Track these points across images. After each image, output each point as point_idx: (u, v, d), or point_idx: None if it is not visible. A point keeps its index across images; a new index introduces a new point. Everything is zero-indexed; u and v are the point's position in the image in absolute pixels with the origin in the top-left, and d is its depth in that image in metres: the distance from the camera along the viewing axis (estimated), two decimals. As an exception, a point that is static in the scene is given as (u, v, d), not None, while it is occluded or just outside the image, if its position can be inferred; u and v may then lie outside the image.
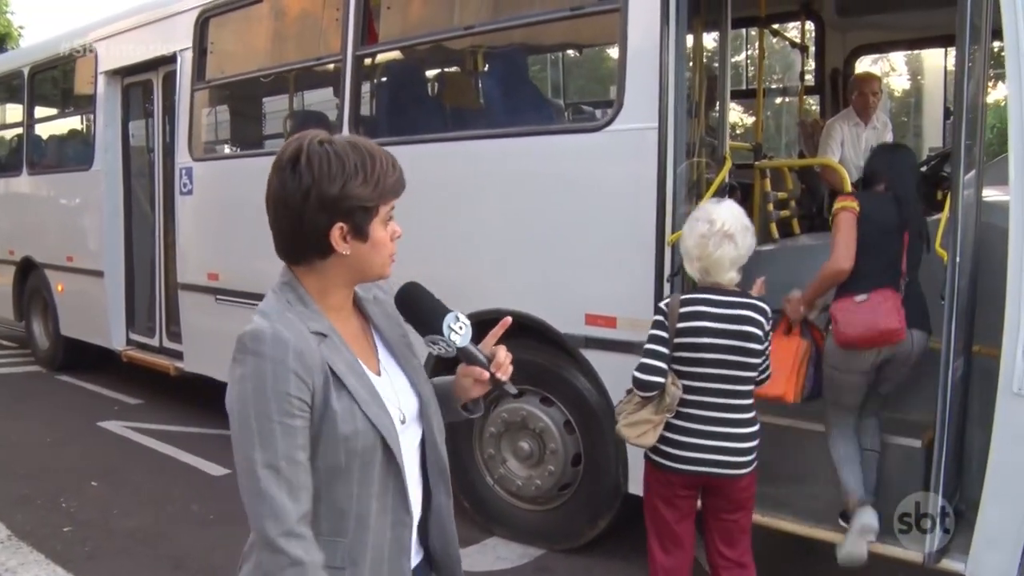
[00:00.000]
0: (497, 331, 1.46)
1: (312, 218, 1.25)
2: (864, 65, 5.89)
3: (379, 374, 1.37)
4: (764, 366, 2.50)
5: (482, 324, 1.55)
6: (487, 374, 1.40)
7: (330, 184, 1.24)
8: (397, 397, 1.37)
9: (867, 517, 2.92)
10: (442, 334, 1.37)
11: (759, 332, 2.42)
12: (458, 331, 1.38)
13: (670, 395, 2.38)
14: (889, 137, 4.84)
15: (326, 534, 1.27)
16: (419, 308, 1.40)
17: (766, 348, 2.48)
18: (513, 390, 1.47)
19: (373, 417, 1.28)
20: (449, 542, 1.46)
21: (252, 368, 1.21)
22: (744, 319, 2.42)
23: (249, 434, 1.21)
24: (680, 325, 2.40)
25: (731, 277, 2.45)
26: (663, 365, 2.39)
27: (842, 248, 2.97)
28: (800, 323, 3.00)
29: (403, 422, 1.36)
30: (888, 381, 3.11)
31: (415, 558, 1.42)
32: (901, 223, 3.00)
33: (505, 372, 1.42)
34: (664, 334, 2.40)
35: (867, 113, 4.65)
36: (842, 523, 3.05)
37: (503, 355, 1.42)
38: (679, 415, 2.42)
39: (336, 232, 1.26)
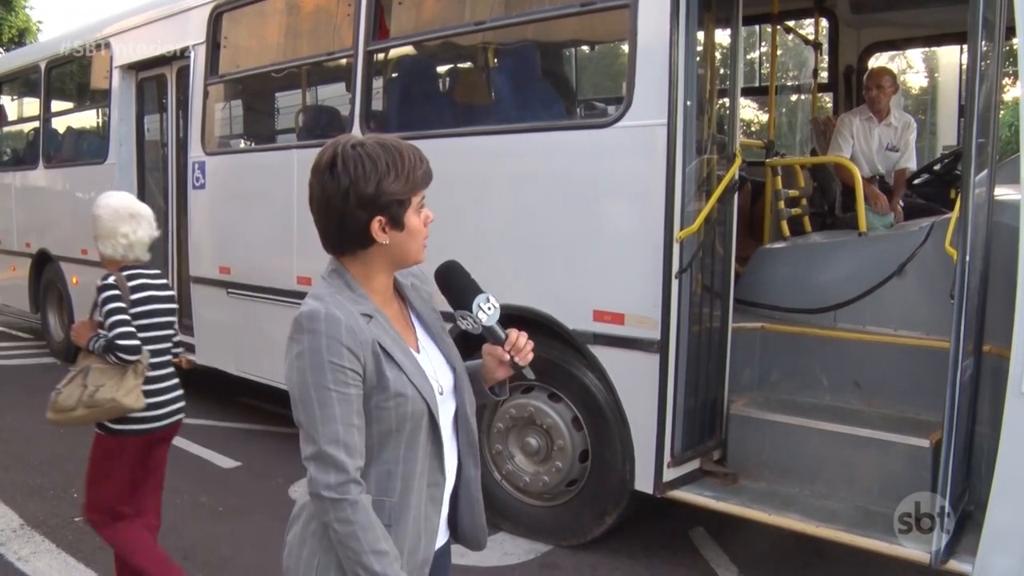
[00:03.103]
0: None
1: (353, 215, 1.39)
2: (879, 62, 5.84)
3: (418, 351, 1.51)
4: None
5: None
6: (508, 356, 1.53)
7: (366, 184, 1.37)
8: (435, 371, 1.51)
9: None
10: (471, 311, 1.50)
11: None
12: (486, 311, 1.52)
13: (145, 358, 2.76)
14: (913, 137, 4.74)
15: (375, 494, 1.41)
16: (455, 284, 1.55)
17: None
18: (531, 374, 1.59)
19: (419, 386, 1.43)
20: (476, 511, 1.61)
21: (308, 344, 1.35)
22: (170, 287, 2.97)
23: (309, 403, 1.35)
24: (133, 297, 2.77)
25: (148, 255, 2.90)
26: (135, 331, 2.73)
27: None
28: None
29: (441, 394, 1.50)
30: None
31: (441, 538, 1.56)
32: None
33: (523, 357, 1.54)
34: (124, 305, 2.74)
35: (878, 108, 4.60)
36: None
37: (521, 340, 1.54)
38: (148, 378, 2.78)
39: (375, 225, 1.40)
